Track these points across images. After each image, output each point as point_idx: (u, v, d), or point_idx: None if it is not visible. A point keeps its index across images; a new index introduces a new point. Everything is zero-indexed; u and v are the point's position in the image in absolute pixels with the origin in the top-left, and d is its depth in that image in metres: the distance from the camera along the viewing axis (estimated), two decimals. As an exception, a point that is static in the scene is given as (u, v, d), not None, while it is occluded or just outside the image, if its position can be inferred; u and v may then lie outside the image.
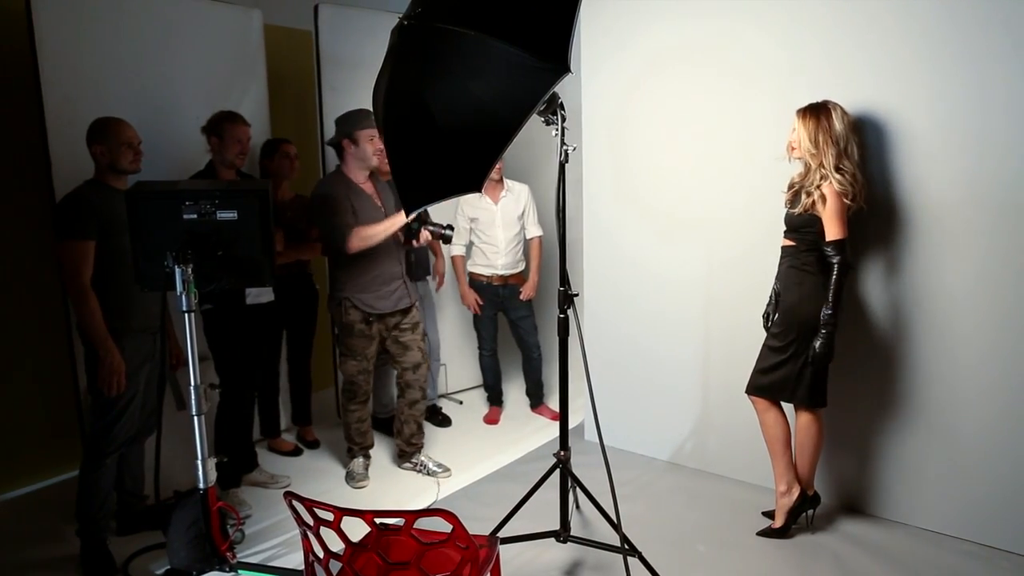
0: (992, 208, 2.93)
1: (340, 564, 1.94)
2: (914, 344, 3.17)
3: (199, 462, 2.74)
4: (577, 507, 3.40)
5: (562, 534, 2.90)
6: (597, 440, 2.77)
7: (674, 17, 3.65)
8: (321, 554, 1.94)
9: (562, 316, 2.74)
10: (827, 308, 2.92)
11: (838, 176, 2.92)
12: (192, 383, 2.70)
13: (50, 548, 3.24)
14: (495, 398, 4.82)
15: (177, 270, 2.57)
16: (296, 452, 4.26)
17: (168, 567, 2.86)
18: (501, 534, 2.79)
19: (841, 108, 2.97)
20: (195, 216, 2.62)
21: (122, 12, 3.52)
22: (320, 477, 3.96)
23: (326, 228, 3.55)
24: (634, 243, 3.98)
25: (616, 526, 2.72)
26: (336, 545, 1.91)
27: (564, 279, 2.72)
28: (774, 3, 3.33)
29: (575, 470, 2.93)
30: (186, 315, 2.62)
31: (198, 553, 2.78)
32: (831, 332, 2.92)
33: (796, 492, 3.17)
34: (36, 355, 3.81)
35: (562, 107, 2.52)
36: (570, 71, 2.21)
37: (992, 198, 2.92)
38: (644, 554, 2.77)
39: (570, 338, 2.79)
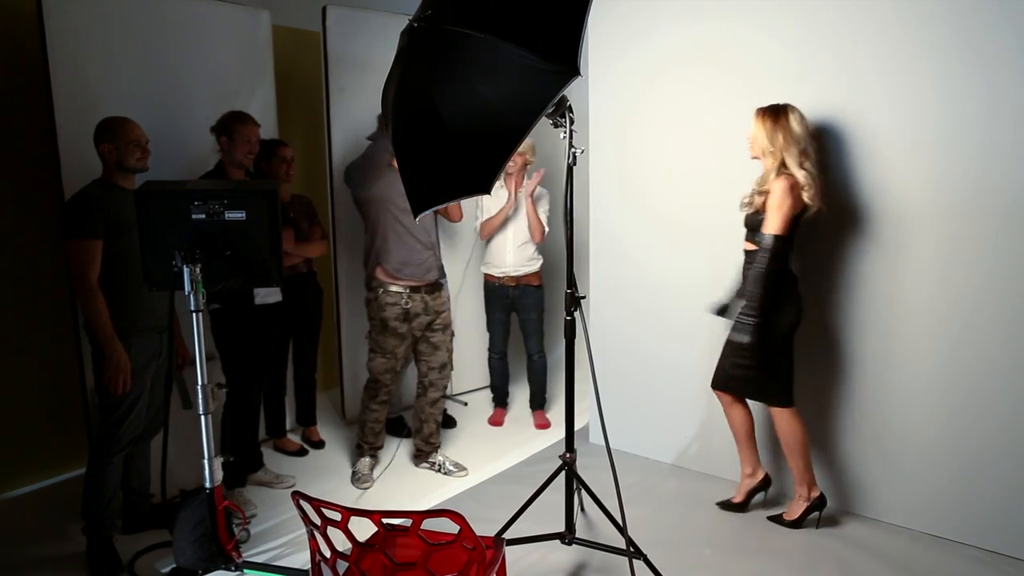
0: (1002, 212, 2.93)
1: (347, 564, 1.95)
2: (919, 349, 3.17)
3: (205, 461, 2.75)
4: (582, 509, 3.40)
5: (567, 536, 2.90)
6: (602, 442, 2.77)
7: (681, 20, 3.66)
8: (328, 554, 1.95)
9: (568, 319, 2.74)
10: (748, 303, 2.99)
11: (803, 172, 2.99)
12: (199, 382, 2.71)
13: (56, 546, 3.25)
14: (500, 400, 4.81)
15: (185, 270, 2.58)
16: (301, 452, 4.27)
17: (174, 566, 2.86)
18: (506, 535, 2.80)
19: (800, 112, 3.05)
20: (203, 216, 2.63)
21: (132, 13, 3.54)
22: (325, 477, 3.96)
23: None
24: (641, 246, 3.98)
25: (621, 528, 2.72)
26: (343, 545, 1.92)
27: (571, 282, 2.72)
28: (781, 6, 3.34)
29: (580, 472, 2.94)
30: (194, 315, 2.63)
31: (204, 552, 2.78)
32: (749, 325, 2.99)
33: (760, 475, 3.41)
34: (43, 353, 3.82)
35: (571, 110, 2.53)
36: (579, 74, 2.22)
37: (1002, 203, 2.92)
38: (649, 557, 2.78)
39: (576, 340, 2.79)
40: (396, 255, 3.67)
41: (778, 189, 3.00)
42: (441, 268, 3.89)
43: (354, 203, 3.88)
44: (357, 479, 3.86)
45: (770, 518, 3.38)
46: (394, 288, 3.69)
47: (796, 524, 3.29)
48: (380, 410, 3.86)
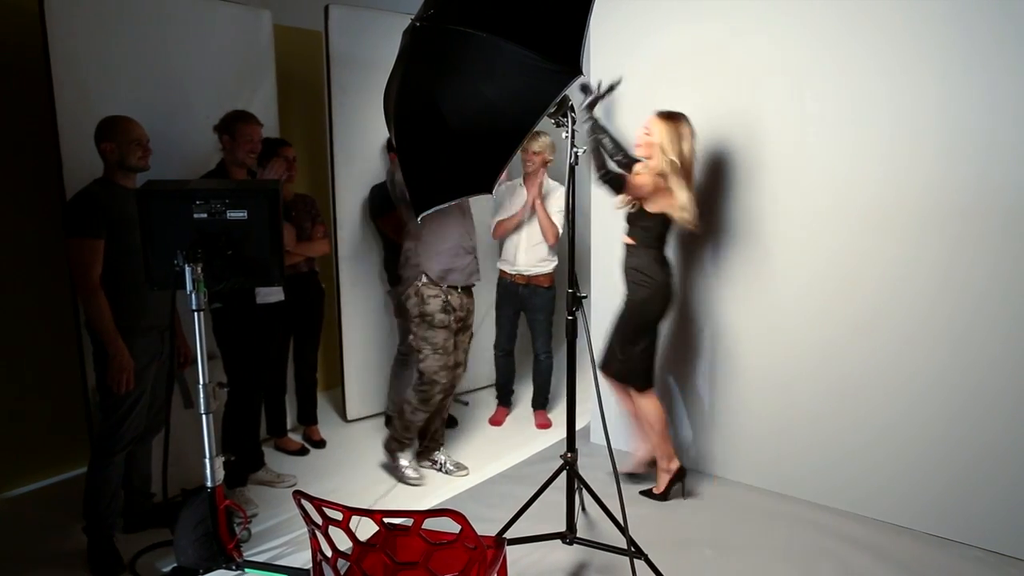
0: (1004, 212, 2.93)
1: (348, 563, 1.95)
2: (923, 350, 3.17)
3: (207, 460, 2.76)
4: (583, 509, 3.40)
5: (568, 536, 2.90)
6: (604, 442, 2.77)
7: (682, 21, 3.66)
8: (329, 553, 1.95)
9: (570, 318, 2.74)
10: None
11: (684, 193, 3.19)
12: (200, 382, 2.71)
13: (58, 544, 3.25)
14: (504, 398, 4.81)
15: (187, 269, 2.58)
16: (302, 451, 4.27)
17: (175, 565, 2.86)
18: (507, 535, 2.80)
19: (692, 128, 3.22)
20: (205, 215, 2.63)
21: (133, 12, 3.54)
22: (326, 476, 3.96)
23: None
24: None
25: (623, 528, 2.71)
26: (344, 544, 1.92)
27: (572, 281, 2.72)
28: (783, 8, 3.33)
29: (581, 472, 2.94)
30: (195, 314, 2.63)
31: (205, 551, 2.78)
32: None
33: (677, 464, 3.60)
34: (44, 353, 3.82)
35: (572, 109, 2.52)
36: (582, 74, 2.22)
37: (1004, 203, 2.92)
38: (650, 556, 2.77)
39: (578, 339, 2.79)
40: (439, 263, 3.63)
41: (647, 179, 3.22)
42: (479, 272, 3.88)
43: (386, 212, 3.85)
44: (407, 477, 3.82)
45: (641, 492, 3.62)
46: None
47: (663, 496, 3.56)
48: (429, 413, 3.79)
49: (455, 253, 3.65)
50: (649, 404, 3.50)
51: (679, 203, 3.20)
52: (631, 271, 3.40)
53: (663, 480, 3.59)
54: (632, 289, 3.40)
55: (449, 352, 3.70)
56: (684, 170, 3.19)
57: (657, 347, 3.51)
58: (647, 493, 3.62)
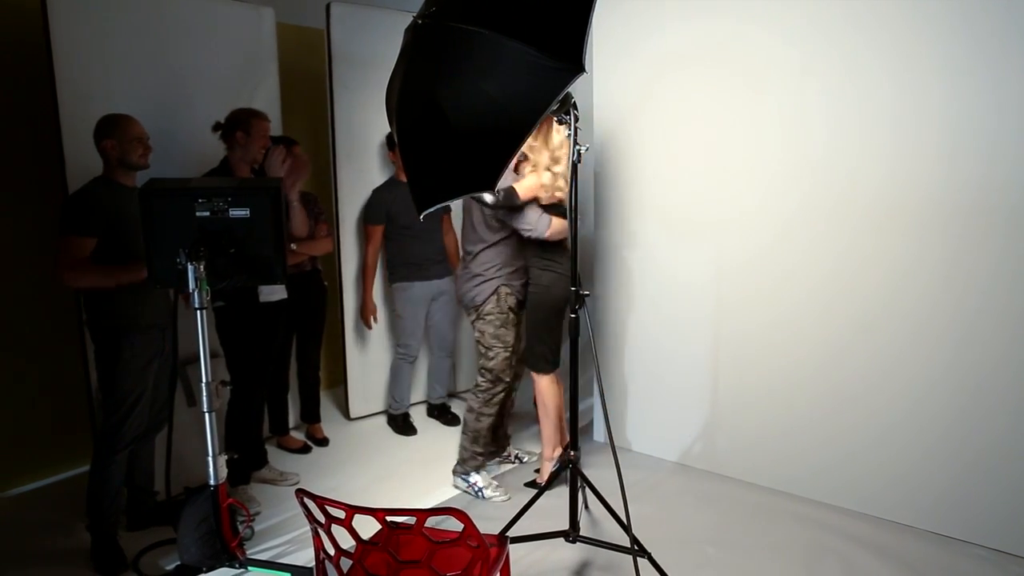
0: (1007, 211, 2.92)
1: (351, 561, 1.95)
2: (926, 348, 3.16)
3: (210, 459, 2.75)
4: (586, 507, 3.40)
5: (571, 534, 2.89)
6: (606, 440, 2.77)
7: (686, 18, 3.65)
8: (332, 551, 1.95)
9: (573, 316, 2.74)
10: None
11: (548, 175, 3.31)
12: (203, 380, 2.71)
13: (61, 542, 3.26)
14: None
15: (189, 267, 2.58)
16: (305, 450, 4.27)
17: (178, 563, 2.87)
18: (510, 533, 2.79)
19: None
20: (207, 213, 2.63)
21: (136, 11, 3.54)
22: (329, 475, 3.97)
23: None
24: (645, 244, 3.98)
25: (626, 527, 2.71)
26: (347, 542, 1.92)
27: (575, 279, 2.72)
28: (785, 4, 3.32)
29: (584, 470, 2.93)
30: (198, 312, 2.62)
31: (208, 549, 2.78)
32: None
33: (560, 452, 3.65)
34: (48, 352, 3.83)
35: (575, 107, 2.52)
36: (584, 71, 2.21)
37: (1008, 202, 2.91)
38: (653, 555, 2.77)
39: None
40: (517, 281, 3.59)
41: (530, 180, 3.35)
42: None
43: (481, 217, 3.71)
44: (488, 495, 3.65)
45: (526, 484, 3.69)
46: None
47: (547, 486, 3.25)
48: (494, 415, 3.69)
49: (524, 270, 3.62)
50: (548, 388, 3.59)
51: (549, 183, 3.34)
52: (537, 259, 3.51)
53: (546, 469, 3.66)
54: (537, 276, 3.50)
55: (513, 351, 3.67)
56: (552, 158, 3.32)
57: (562, 332, 3.53)
58: (531, 484, 3.68)
